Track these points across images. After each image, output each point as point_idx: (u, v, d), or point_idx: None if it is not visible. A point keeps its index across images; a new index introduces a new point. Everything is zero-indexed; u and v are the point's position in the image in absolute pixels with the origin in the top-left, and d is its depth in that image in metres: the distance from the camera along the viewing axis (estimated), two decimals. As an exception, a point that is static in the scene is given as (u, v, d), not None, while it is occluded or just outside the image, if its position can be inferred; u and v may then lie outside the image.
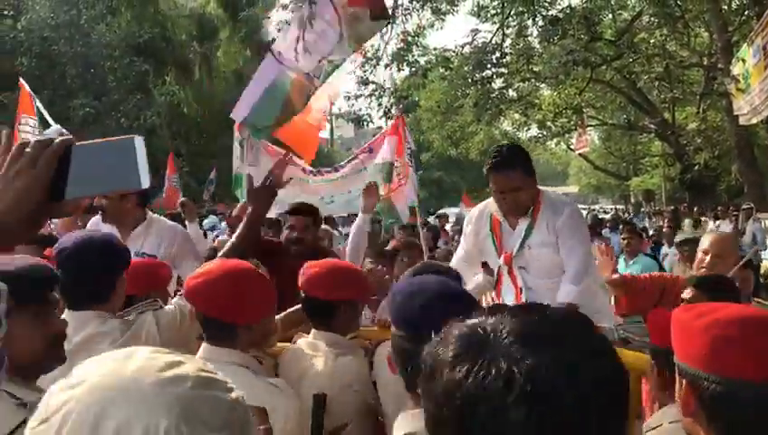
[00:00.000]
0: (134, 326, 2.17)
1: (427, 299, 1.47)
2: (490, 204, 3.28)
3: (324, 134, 35.41)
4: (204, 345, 1.93)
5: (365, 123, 17.77)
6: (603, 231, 12.29)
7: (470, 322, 0.79)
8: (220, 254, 2.73)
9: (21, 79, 8.61)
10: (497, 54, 15.28)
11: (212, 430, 0.75)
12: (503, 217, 3.21)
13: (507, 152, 3.09)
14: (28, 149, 1.02)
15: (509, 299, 3.18)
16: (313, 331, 2.30)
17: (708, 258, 3.13)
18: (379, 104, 16.22)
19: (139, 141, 1.11)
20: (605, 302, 3.35)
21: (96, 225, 3.59)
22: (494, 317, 0.77)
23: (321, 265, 2.31)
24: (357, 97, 16.98)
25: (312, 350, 2.24)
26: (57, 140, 1.05)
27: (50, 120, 7.04)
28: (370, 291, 2.39)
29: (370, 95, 16.65)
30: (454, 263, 3.35)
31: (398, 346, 1.49)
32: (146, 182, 1.06)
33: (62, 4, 20.67)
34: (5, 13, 20.51)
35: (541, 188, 3.22)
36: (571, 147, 29.39)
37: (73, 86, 20.36)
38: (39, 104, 7.46)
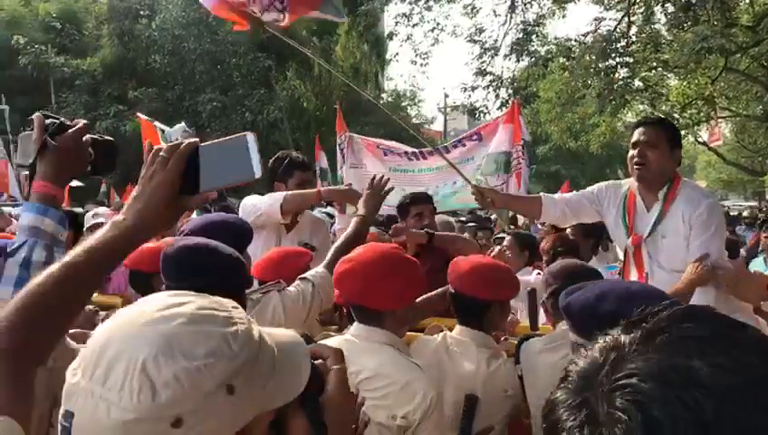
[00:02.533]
0: (259, 305, 2.23)
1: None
2: (631, 181, 3.17)
3: (438, 126, 35.34)
4: (355, 323, 1.98)
5: (481, 115, 17.52)
6: (737, 228, 11.58)
7: None
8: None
9: (138, 114, 9.11)
10: (622, 43, 14.65)
11: (191, 359, 0.80)
12: (639, 196, 3.09)
13: (659, 118, 3.05)
14: (162, 153, 1.22)
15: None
16: (460, 327, 2.28)
17: None
18: (497, 96, 15.96)
19: (252, 137, 1.25)
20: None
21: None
22: None
23: (473, 261, 2.30)
24: (473, 88, 16.78)
25: (459, 347, 2.22)
26: (184, 143, 1.23)
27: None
28: (518, 290, 2.34)
29: (487, 86, 16.42)
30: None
31: None
32: (258, 173, 1.22)
33: (192, 3, 21.72)
34: (141, 13, 21.78)
35: (684, 178, 3.09)
36: (700, 139, 27.80)
37: (201, 82, 21.38)
38: (159, 124, 7.73)
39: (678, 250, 2.95)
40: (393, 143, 7.37)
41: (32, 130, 1.42)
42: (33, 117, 1.43)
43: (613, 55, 14.56)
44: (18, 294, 1.13)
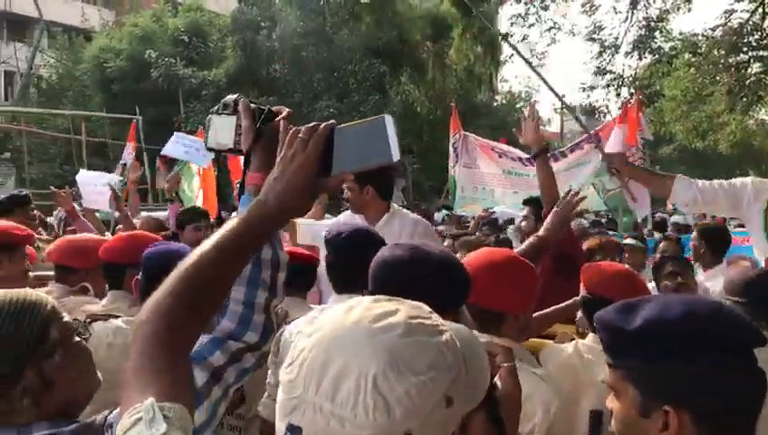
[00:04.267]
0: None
1: None
2: None
3: (554, 127, 34.55)
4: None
5: (602, 116, 16.99)
6: None
7: None
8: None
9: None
10: (755, 36, 13.76)
11: (417, 374, 0.80)
12: None
13: None
14: (301, 135, 1.20)
15: None
16: (593, 335, 2.23)
17: None
18: (618, 94, 15.42)
19: (389, 120, 1.23)
20: None
21: (351, 217, 3.82)
22: None
23: (609, 266, 2.26)
24: (592, 88, 16.30)
25: (594, 355, 2.16)
26: (323, 125, 1.21)
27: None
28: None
29: (607, 86, 15.89)
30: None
31: None
32: (396, 155, 1.20)
33: (310, 13, 22.38)
34: (262, 24, 22.65)
35: None
36: None
37: (319, 89, 21.95)
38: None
39: None
40: (508, 147, 7.29)
41: (229, 113, 1.40)
42: (240, 102, 1.39)
43: (745, 49, 13.72)
44: (169, 278, 1.12)
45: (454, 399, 0.82)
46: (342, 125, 1.25)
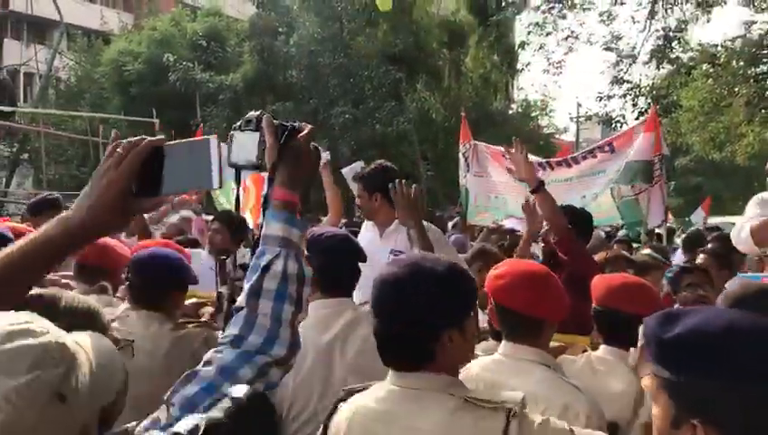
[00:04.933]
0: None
1: None
2: None
3: (570, 136, 34.43)
4: (503, 342, 1.96)
5: (617, 125, 16.89)
6: None
7: None
8: None
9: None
10: (775, 47, 13.69)
11: (17, 375, 0.80)
12: None
13: None
14: (119, 150, 1.17)
15: None
16: (605, 347, 2.21)
17: None
18: (634, 105, 15.34)
19: (214, 142, 1.19)
20: None
21: (372, 230, 3.81)
22: None
23: (621, 278, 2.26)
24: (609, 97, 16.23)
25: (606, 367, 2.15)
26: (145, 142, 1.18)
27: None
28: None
29: (624, 95, 15.82)
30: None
31: None
32: (216, 183, 1.15)
33: (327, 20, 22.45)
34: (280, 30, 22.76)
35: None
36: None
37: (335, 95, 22.00)
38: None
39: None
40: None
41: (252, 129, 1.39)
42: (264, 119, 1.38)
43: (764, 60, 13.63)
44: None
45: (68, 396, 0.83)
46: (171, 142, 1.21)
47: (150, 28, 24.88)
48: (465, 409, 1.42)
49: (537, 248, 4.53)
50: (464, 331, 1.51)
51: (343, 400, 1.57)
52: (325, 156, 4.23)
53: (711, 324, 1.17)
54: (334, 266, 2.31)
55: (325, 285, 2.31)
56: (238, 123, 1.41)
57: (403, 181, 2.83)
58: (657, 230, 6.96)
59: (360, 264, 2.43)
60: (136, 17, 30.83)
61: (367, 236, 3.61)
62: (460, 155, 7.34)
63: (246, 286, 1.28)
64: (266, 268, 1.28)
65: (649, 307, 2.13)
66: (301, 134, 1.39)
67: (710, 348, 1.13)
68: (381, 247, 3.44)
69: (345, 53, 22.14)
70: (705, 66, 15.25)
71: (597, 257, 4.34)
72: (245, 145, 1.39)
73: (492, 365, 1.90)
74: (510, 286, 1.94)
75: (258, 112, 1.41)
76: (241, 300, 1.29)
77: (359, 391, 1.58)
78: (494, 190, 6.94)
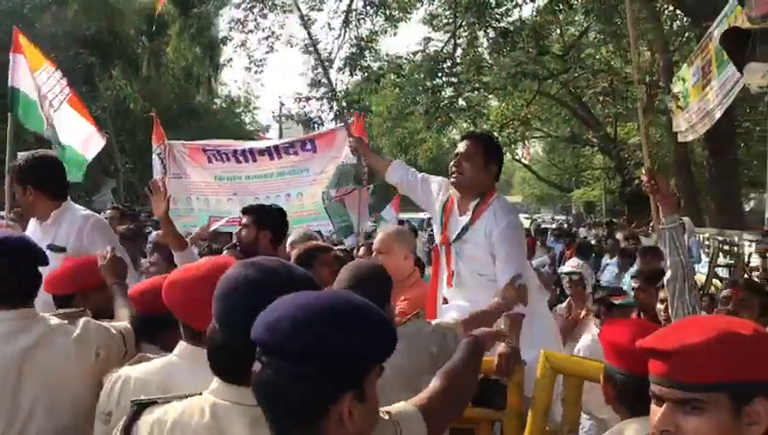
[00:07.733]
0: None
1: None
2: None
3: (273, 134, 35.12)
4: None
5: (316, 126, 17.68)
6: (548, 241, 12.60)
7: None
8: None
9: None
10: (448, 63, 15.46)
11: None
12: (456, 202, 3.33)
13: (483, 134, 3.29)
14: None
15: (443, 278, 3.39)
16: None
17: None
18: (331, 107, 16.20)
19: None
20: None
21: (33, 225, 3.45)
22: None
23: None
24: (308, 99, 16.87)
25: None
26: None
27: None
28: None
29: (321, 97, 16.58)
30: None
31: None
32: None
33: (6, -7, 20.06)
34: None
35: (498, 194, 3.33)
36: (516, 157, 29.90)
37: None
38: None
39: (479, 257, 3.21)
40: (221, 141, 7.16)
41: None
42: None
43: (440, 75, 15.30)
44: None
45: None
46: None
47: None
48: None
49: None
50: None
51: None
52: None
53: None
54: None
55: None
56: None
57: None
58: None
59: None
60: None
61: (34, 233, 3.24)
62: (155, 155, 6.93)
63: None
64: None
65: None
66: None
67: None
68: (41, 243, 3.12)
69: (28, 31, 19.96)
70: (392, 76, 16.66)
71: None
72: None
73: None
74: None
75: None
76: None
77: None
78: (196, 191, 6.73)
